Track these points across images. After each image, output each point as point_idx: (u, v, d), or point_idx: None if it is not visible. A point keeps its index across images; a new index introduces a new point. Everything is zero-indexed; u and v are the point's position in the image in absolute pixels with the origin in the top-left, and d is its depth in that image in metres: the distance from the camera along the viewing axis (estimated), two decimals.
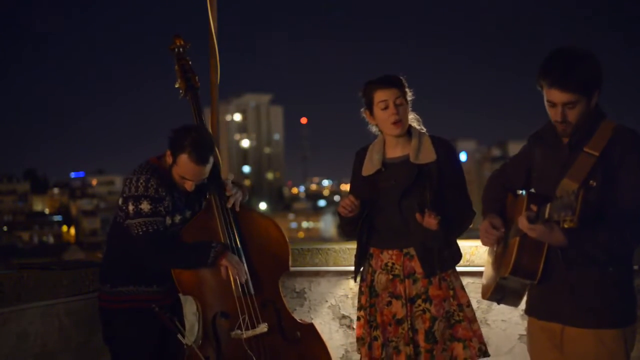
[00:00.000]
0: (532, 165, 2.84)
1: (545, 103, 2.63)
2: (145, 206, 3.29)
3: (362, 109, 3.33)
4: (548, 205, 2.42)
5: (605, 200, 2.51)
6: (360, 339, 3.35)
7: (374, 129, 3.36)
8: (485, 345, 3.23)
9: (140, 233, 3.31)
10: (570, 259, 2.54)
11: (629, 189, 2.51)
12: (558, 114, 2.59)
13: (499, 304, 2.87)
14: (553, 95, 2.58)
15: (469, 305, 3.26)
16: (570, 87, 2.54)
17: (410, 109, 3.31)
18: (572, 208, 2.25)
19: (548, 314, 2.69)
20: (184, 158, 3.29)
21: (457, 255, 3.32)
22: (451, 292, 3.22)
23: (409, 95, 3.29)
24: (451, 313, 3.21)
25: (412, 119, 3.34)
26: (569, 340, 2.63)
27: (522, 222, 2.50)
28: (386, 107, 3.21)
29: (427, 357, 3.16)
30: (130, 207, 3.32)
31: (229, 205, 3.53)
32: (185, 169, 3.31)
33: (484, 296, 2.93)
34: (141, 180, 3.32)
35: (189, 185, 3.36)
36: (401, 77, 3.29)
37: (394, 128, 3.23)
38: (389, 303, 3.24)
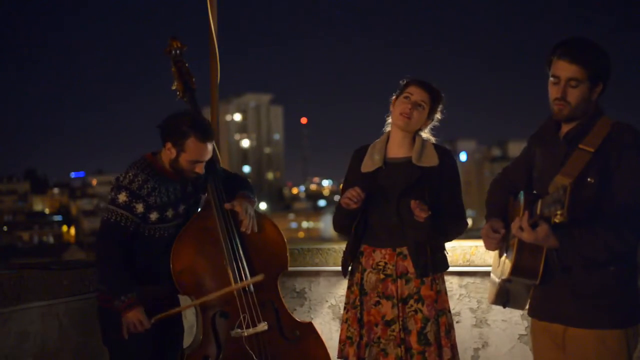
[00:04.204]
0: (533, 166, 2.84)
1: (550, 81, 2.62)
2: (122, 197, 3.32)
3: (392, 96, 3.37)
4: (539, 202, 2.42)
5: (602, 197, 2.50)
6: (348, 338, 3.31)
7: (388, 121, 3.39)
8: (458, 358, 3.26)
9: (104, 218, 3.36)
10: (567, 264, 2.53)
11: (627, 186, 2.50)
12: (559, 90, 2.58)
13: (504, 307, 2.86)
14: (560, 67, 2.57)
15: (449, 310, 3.29)
16: (580, 60, 2.54)
17: (430, 127, 3.37)
18: (561, 202, 2.24)
19: (550, 315, 2.67)
20: (191, 142, 3.31)
21: (446, 261, 3.33)
22: (437, 295, 3.23)
23: (436, 115, 3.35)
24: (440, 316, 3.22)
25: (426, 135, 3.37)
26: (571, 341, 2.62)
27: (514, 226, 2.50)
28: (406, 98, 3.26)
29: (419, 359, 3.15)
30: (112, 194, 3.38)
31: (243, 229, 3.50)
32: (195, 152, 3.33)
33: (490, 300, 2.92)
34: (130, 174, 3.36)
35: (200, 168, 3.39)
36: (441, 95, 3.34)
37: (400, 118, 3.26)
38: (377, 303, 3.24)
